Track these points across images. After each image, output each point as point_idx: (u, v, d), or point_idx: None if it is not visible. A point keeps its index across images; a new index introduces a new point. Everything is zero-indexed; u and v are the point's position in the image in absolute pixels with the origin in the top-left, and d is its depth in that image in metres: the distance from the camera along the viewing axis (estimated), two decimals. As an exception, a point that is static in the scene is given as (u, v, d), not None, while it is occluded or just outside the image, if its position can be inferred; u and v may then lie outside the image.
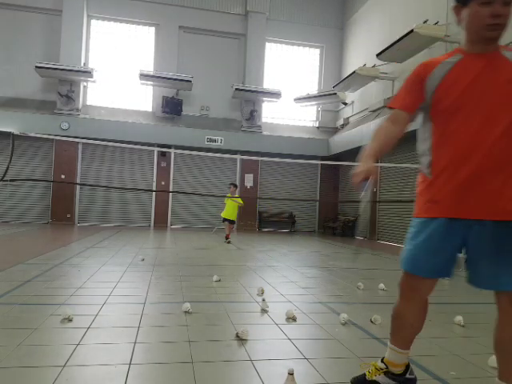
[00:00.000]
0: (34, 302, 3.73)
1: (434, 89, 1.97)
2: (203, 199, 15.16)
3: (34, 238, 9.75)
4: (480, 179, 1.83)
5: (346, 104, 15.50)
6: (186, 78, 14.19)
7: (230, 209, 10.12)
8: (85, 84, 14.64)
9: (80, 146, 14.36)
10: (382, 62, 11.95)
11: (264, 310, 3.72)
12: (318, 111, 16.80)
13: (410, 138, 10.23)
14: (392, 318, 2.15)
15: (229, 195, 10.30)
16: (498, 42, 1.87)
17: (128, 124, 14.31)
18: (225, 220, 10.22)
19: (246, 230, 15.19)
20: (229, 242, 9.89)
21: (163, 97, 14.64)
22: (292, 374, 2.16)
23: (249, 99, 15.31)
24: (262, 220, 15.67)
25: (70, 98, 14.01)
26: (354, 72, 12.43)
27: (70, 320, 3.15)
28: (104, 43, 15.21)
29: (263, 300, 3.85)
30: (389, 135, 2.19)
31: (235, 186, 10.52)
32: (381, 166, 12.89)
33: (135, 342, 2.76)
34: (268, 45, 16.25)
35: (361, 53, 14.81)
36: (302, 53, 16.85)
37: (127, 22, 15.24)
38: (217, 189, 15.39)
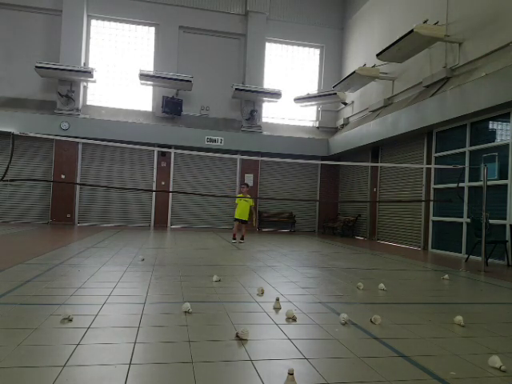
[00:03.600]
0: (34, 301, 3.73)
1: None
2: (203, 199, 15.16)
3: (34, 237, 9.75)
4: None
5: (345, 104, 15.50)
6: (186, 78, 14.19)
7: (244, 209, 9.88)
8: (85, 84, 14.64)
9: (80, 146, 14.37)
10: (382, 62, 11.95)
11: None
12: (318, 111, 16.80)
13: (409, 139, 10.36)
14: None
15: (241, 195, 10.05)
16: None
17: (128, 124, 14.31)
18: (238, 220, 10.00)
19: (246, 230, 15.16)
20: (235, 241, 9.91)
21: (163, 97, 14.65)
22: (292, 374, 2.16)
23: (249, 99, 15.30)
24: (262, 220, 15.67)
25: (69, 97, 14.01)
26: (354, 72, 12.43)
27: (70, 320, 3.15)
28: (104, 43, 15.21)
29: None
30: None
31: (248, 186, 10.28)
32: (381, 166, 12.89)
33: (135, 342, 2.76)
34: (268, 45, 16.25)
35: (361, 53, 14.81)
36: (302, 53, 16.85)
37: (127, 21, 15.24)
38: (217, 189, 15.39)
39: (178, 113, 14.73)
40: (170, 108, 14.59)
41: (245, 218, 9.87)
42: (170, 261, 6.61)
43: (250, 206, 9.86)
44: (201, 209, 15.28)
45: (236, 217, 9.96)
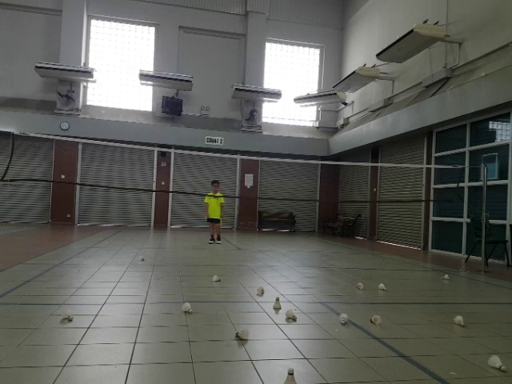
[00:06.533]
0: (34, 302, 3.73)
1: None
2: (203, 199, 15.12)
3: (34, 237, 9.74)
4: None
5: (345, 104, 15.50)
6: (186, 78, 14.19)
7: (214, 208, 9.66)
8: (85, 84, 14.64)
9: (80, 146, 14.37)
10: (381, 62, 11.95)
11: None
12: (318, 111, 16.80)
13: (409, 139, 10.39)
14: None
15: (211, 194, 9.80)
16: None
17: (128, 124, 14.31)
18: (211, 220, 9.75)
19: (246, 230, 15.19)
20: (213, 242, 9.62)
21: (163, 97, 14.65)
22: (292, 374, 2.16)
23: (249, 99, 15.31)
24: (262, 220, 15.67)
25: (69, 98, 14.01)
26: (354, 72, 12.43)
27: (70, 320, 3.15)
28: (104, 43, 15.21)
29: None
30: None
31: (218, 183, 9.95)
32: (381, 166, 12.89)
33: (135, 342, 2.76)
34: (268, 45, 16.26)
35: (361, 53, 14.81)
36: (302, 53, 16.86)
37: (127, 21, 15.24)
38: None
39: (178, 113, 14.73)
40: (170, 108, 14.59)
41: (216, 216, 9.67)
42: (170, 261, 6.61)
43: (221, 204, 9.68)
44: (201, 209, 15.26)
45: (209, 217, 9.74)
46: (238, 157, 10.49)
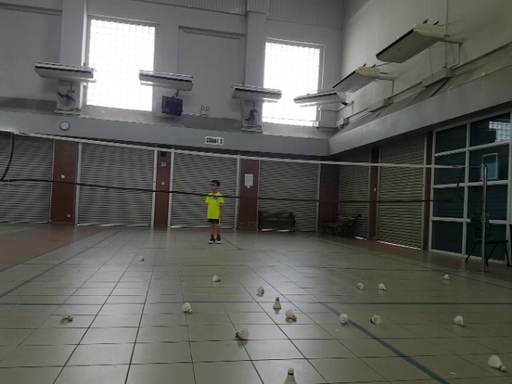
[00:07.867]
0: (34, 302, 3.73)
1: None
2: (203, 199, 15.12)
3: (33, 237, 9.74)
4: None
5: (345, 104, 15.50)
6: (186, 78, 14.20)
7: (213, 208, 9.63)
8: (85, 84, 14.64)
9: (80, 146, 14.37)
10: (382, 62, 11.95)
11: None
12: (318, 111, 16.80)
13: (409, 139, 10.39)
14: None
15: (210, 194, 9.78)
16: None
17: (128, 124, 14.31)
18: (210, 220, 9.75)
19: (246, 230, 15.19)
20: (213, 242, 9.63)
21: (163, 97, 14.65)
22: (292, 374, 2.16)
23: (249, 99, 15.31)
24: (262, 220, 15.67)
25: (70, 98, 14.01)
26: (354, 72, 12.43)
27: (70, 320, 3.15)
28: (104, 43, 15.22)
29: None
30: None
31: (218, 183, 9.87)
32: (381, 166, 12.89)
33: (135, 342, 2.76)
34: (268, 45, 16.26)
35: (361, 53, 14.81)
36: (302, 53, 16.86)
37: (127, 21, 15.24)
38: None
39: (178, 113, 14.73)
40: (170, 108, 14.59)
41: (214, 216, 9.62)
42: (170, 261, 6.61)
43: (220, 204, 9.63)
44: (200, 209, 15.27)
45: (208, 217, 9.77)
46: (238, 157, 10.50)
